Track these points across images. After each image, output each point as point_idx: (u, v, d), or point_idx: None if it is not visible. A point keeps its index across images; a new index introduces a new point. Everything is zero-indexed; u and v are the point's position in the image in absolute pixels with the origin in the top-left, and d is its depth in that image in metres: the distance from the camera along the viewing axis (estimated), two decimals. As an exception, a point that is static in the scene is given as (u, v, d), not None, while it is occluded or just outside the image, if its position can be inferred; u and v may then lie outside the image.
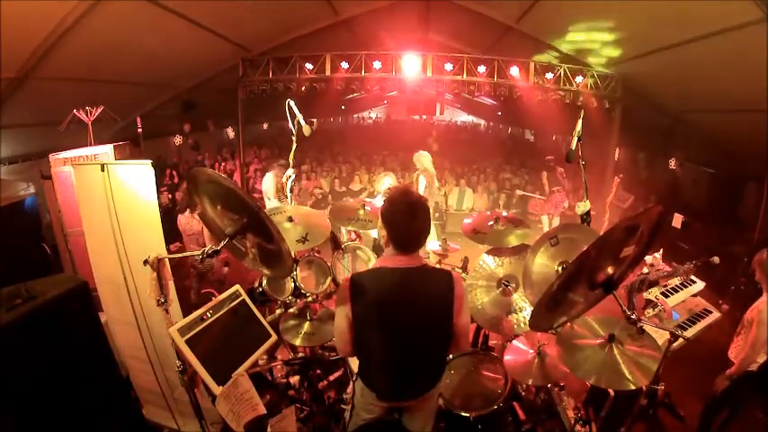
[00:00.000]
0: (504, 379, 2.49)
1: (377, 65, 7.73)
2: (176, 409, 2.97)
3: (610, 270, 1.70)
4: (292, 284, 2.91)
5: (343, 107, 18.75)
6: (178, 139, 9.30)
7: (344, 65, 7.77)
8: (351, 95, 13.82)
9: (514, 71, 7.64)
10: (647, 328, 1.83)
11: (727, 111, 5.84)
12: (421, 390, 1.87)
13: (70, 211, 4.18)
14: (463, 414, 2.32)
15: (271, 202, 5.21)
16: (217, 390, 1.82)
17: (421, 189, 5.69)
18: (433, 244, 3.68)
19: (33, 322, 1.90)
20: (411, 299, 1.72)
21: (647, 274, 3.18)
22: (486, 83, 7.78)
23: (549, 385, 2.59)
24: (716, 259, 3.14)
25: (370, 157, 11.62)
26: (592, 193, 2.88)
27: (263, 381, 2.86)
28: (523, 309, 2.64)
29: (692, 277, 3.38)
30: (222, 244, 1.83)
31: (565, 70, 7.60)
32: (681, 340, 1.76)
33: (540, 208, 7.82)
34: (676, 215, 6.40)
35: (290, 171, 3.37)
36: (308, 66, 7.82)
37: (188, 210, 5.05)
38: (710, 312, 3.24)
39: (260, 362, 2.87)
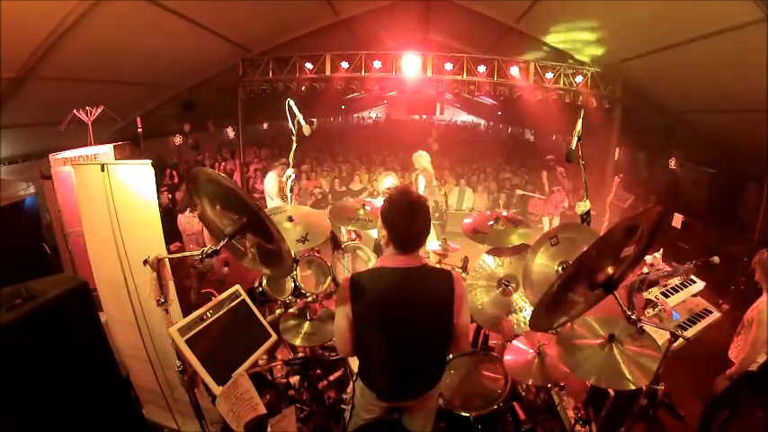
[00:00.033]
0: (504, 379, 2.49)
1: (377, 65, 7.73)
2: (176, 409, 2.97)
3: (610, 270, 1.70)
4: (292, 284, 2.91)
5: (343, 107, 18.76)
6: (178, 139, 9.31)
7: (344, 65, 7.77)
8: (351, 95, 13.82)
9: (514, 71, 7.64)
10: (647, 328, 1.83)
11: (727, 111, 5.84)
12: (421, 390, 1.87)
13: (70, 211, 4.18)
14: (463, 414, 2.32)
15: (273, 202, 5.20)
16: (217, 390, 1.82)
17: (420, 189, 5.69)
18: (433, 244, 3.68)
19: (33, 322, 1.90)
20: (411, 299, 1.72)
21: (647, 273, 3.18)
22: (486, 83, 7.78)
23: (549, 385, 2.59)
24: (716, 259, 3.14)
25: (370, 156, 11.61)
26: (592, 193, 2.88)
27: (263, 381, 2.86)
28: (523, 309, 2.64)
29: (692, 277, 3.38)
30: (222, 244, 1.82)
31: (565, 70, 7.60)
32: (681, 340, 1.76)
33: (540, 208, 7.82)
34: (676, 215, 6.40)
35: (290, 171, 3.37)
36: (308, 66, 7.82)
37: (188, 209, 5.05)
38: (710, 312, 3.24)
39: (260, 362, 2.87)
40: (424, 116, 17.81)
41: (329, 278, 3.01)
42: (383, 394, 1.86)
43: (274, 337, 2.22)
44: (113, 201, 2.66)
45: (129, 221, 2.68)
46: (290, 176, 3.36)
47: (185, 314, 2.07)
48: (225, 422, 1.87)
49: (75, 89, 5.56)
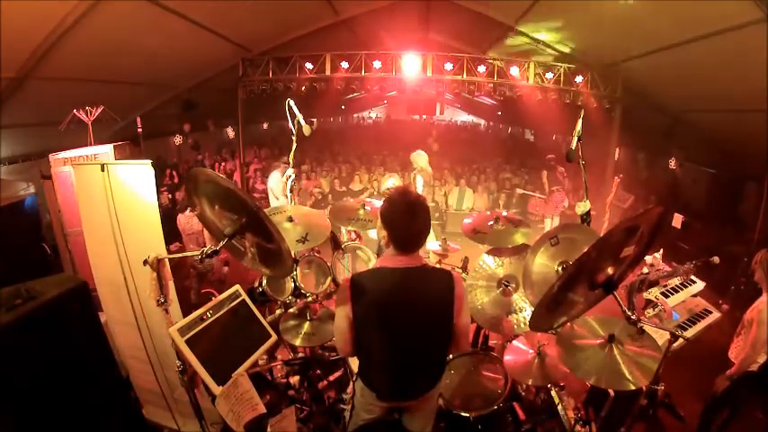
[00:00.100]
0: (504, 379, 2.49)
1: (377, 65, 7.73)
2: (176, 409, 2.97)
3: (610, 270, 1.70)
4: (292, 284, 2.91)
5: (343, 107, 18.77)
6: (178, 139, 9.31)
7: (344, 65, 7.77)
8: (351, 95, 13.83)
9: (514, 71, 7.64)
10: (647, 328, 1.83)
11: (727, 111, 5.84)
12: (421, 390, 1.87)
13: (70, 211, 4.17)
14: (463, 414, 2.32)
15: (278, 201, 5.19)
16: (217, 390, 1.81)
17: (419, 188, 5.69)
18: (433, 244, 3.68)
19: (33, 322, 1.90)
20: (411, 299, 1.72)
21: (647, 274, 3.18)
22: (486, 83, 7.78)
23: (549, 385, 2.59)
24: (716, 259, 3.14)
25: (370, 156, 11.62)
26: (592, 193, 2.88)
27: (263, 381, 2.85)
28: (523, 309, 2.64)
29: (692, 277, 3.38)
30: (221, 244, 1.82)
31: (565, 70, 7.60)
32: (681, 340, 1.75)
33: (540, 208, 7.82)
34: (676, 215, 6.40)
35: (290, 171, 3.37)
36: (308, 65, 7.82)
37: (188, 209, 5.05)
38: (710, 312, 3.24)
39: (260, 362, 2.87)
40: (424, 116, 17.79)
41: (329, 278, 3.01)
42: (383, 394, 1.86)
43: (274, 337, 2.21)
44: (113, 201, 2.66)
45: (128, 221, 2.68)
46: (290, 176, 3.36)
47: (185, 314, 2.07)
48: (225, 422, 1.87)
49: (75, 89, 5.56)
